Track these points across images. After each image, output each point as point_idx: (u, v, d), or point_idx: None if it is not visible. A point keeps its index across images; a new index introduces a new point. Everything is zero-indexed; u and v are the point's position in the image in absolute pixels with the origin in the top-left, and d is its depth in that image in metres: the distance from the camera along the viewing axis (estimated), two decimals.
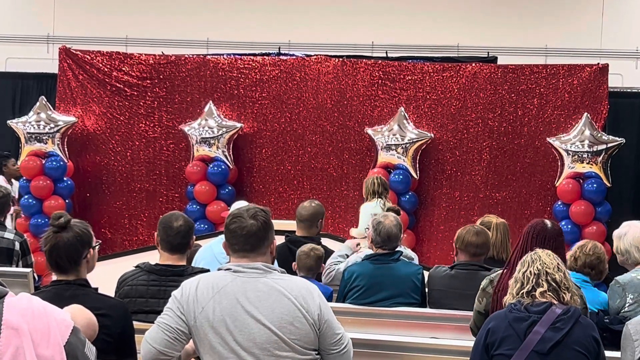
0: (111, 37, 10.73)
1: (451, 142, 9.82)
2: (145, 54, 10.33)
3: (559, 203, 9.26)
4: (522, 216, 9.60)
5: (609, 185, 9.14)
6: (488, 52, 10.21)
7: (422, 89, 9.85)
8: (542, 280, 3.07)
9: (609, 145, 9.15)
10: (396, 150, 9.51)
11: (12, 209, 8.48)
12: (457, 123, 9.80)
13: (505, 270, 3.67)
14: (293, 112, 10.14)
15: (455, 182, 9.83)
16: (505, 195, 9.73)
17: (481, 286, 3.85)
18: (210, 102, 10.03)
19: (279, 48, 10.49)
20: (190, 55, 10.37)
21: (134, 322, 3.31)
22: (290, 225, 6.02)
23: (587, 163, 9.09)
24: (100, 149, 10.42)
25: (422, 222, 9.90)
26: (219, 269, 3.01)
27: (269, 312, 2.85)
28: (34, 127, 9.98)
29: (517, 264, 3.25)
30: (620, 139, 9.19)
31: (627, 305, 4.36)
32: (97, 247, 3.28)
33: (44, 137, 9.94)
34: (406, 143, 9.52)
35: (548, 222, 3.68)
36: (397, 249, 4.89)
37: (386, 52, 10.29)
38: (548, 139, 9.37)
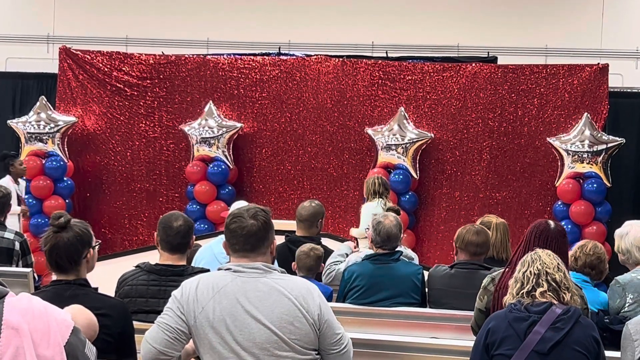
0: (111, 37, 10.74)
1: (451, 142, 9.82)
2: (146, 54, 10.33)
3: (559, 203, 9.26)
4: (522, 216, 9.61)
5: (609, 185, 9.15)
6: (488, 52, 10.21)
7: (422, 89, 9.85)
8: (542, 280, 3.07)
9: (609, 145, 9.15)
10: (396, 150, 9.51)
11: (19, 208, 8.51)
12: (457, 123, 9.80)
13: (507, 269, 3.67)
14: (293, 112, 10.14)
15: (455, 182, 9.83)
16: (505, 195, 9.73)
17: (483, 284, 3.85)
18: (211, 102, 10.03)
19: (279, 48, 10.49)
20: (190, 55, 10.37)
21: (134, 322, 3.31)
22: (290, 225, 6.02)
23: (587, 163, 9.10)
24: (101, 149, 10.42)
25: (422, 222, 9.90)
26: (219, 269, 3.01)
27: (269, 312, 2.85)
28: (34, 127, 9.98)
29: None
30: (620, 139, 9.20)
31: (627, 305, 4.36)
32: (97, 247, 3.28)
33: (44, 137, 9.94)
34: (406, 143, 9.52)
35: (551, 223, 3.67)
36: (397, 249, 4.89)
37: (386, 52, 10.30)
38: (548, 139, 9.37)
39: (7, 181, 8.57)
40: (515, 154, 9.72)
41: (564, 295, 3.06)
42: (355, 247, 5.66)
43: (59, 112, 10.23)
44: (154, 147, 10.35)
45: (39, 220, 9.52)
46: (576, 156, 9.13)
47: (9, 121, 10.15)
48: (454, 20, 10.67)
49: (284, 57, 10.28)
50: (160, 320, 2.90)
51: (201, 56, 10.40)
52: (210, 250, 5.17)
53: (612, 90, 9.63)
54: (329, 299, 4.64)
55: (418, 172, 9.66)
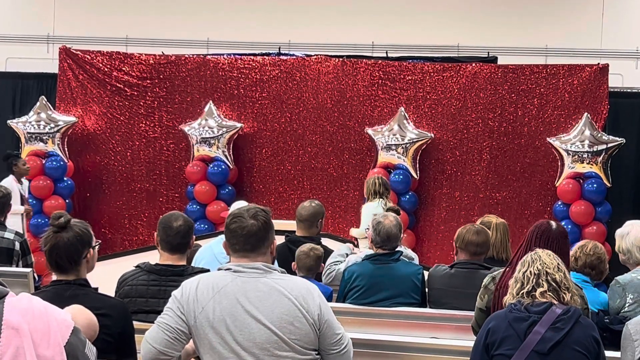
0: (111, 37, 10.74)
1: (451, 142, 9.82)
2: (146, 54, 10.33)
3: (559, 203, 9.26)
4: (522, 216, 9.61)
5: (609, 185, 9.15)
6: (488, 52, 10.21)
7: (422, 89, 9.85)
8: (542, 280, 3.07)
9: (609, 145, 9.15)
10: (396, 150, 9.51)
11: (22, 208, 8.52)
12: (457, 123, 9.81)
13: (507, 269, 3.67)
14: (293, 112, 10.14)
15: (456, 182, 9.83)
16: (505, 195, 9.73)
17: (483, 283, 3.85)
18: (211, 102, 10.03)
19: (279, 48, 10.49)
20: (191, 55, 10.37)
21: (134, 322, 3.31)
22: (290, 225, 6.02)
23: (587, 163, 9.10)
24: (101, 149, 10.42)
25: (422, 222, 9.90)
26: (219, 269, 3.01)
27: (269, 312, 2.85)
28: (34, 127, 9.98)
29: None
30: (620, 139, 9.20)
31: (627, 305, 4.36)
32: (97, 247, 3.28)
33: (44, 137, 9.94)
34: (406, 143, 9.52)
35: (553, 223, 3.67)
36: (397, 249, 4.89)
37: (386, 52, 10.29)
38: (548, 139, 9.37)
39: (10, 181, 8.58)
40: (515, 154, 9.72)
41: (564, 296, 3.06)
42: (353, 249, 5.65)
43: (59, 112, 10.23)
44: (154, 147, 10.35)
45: (39, 220, 9.52)
46: (576, 156, 9.14)
47: (9, 121, 10.15)
48: (454, 20, 10.67)
49: (284, 57, 10.28)
50: (160, 320, 2.90)
51: (201, 56, 10.40)
52: (210, 250, 5.17)
53: (612, 90, 9.63)
54: (329, 299, 4.65)
55: (418, 172, 9.66)
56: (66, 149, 10.13)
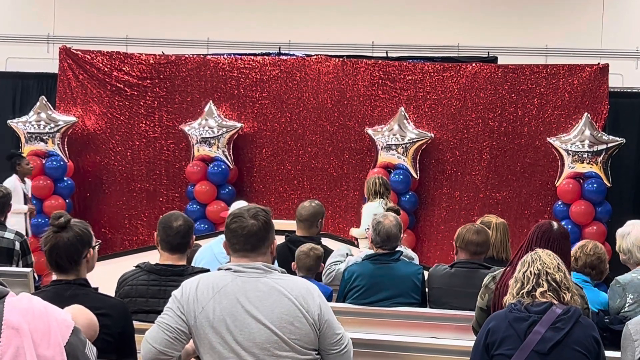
0: (111, 37, 10.73)
1: (451, 142, 9.82)
2: (146, 54, 10.33)
3: (559, 203, 9.26)
4: (522, 216, 9.61)
5: (609, 185, 9.15)
6: (488, 52, 10.21)
7: (423, 89, 9.85)
8: (542, 280, 3.07)
9: (609, 145, 9.15)
10: (396, 150, 9.51)
11: (26, 207, 8.53)
12: (458, 123, 9.81)
13: (508, 268, 3.67)
14: (293, 112, 10.14)
15: (456, 182, 9.83)
16: (505, 195, 9.73)
17: (484, 283, 3.85)
18: (211, 102, 10.03)
19: (279, 48, 10.49)
20: (191, 55, 10.37)
21: (134, 322, 3.31)
22: (290, 225, 6.01)
23: (588, 163, 9.10)
24: (101, 149, 10.42)
25: (422, 222, 9.90)
26: (219, 269, 3.01)
27: (269, 312, 2.85)
28: (34, 127, 9.98)
29: None
30: (620, 139, 9.20)
31: (627, 305, 4.36)
32: (97, 247, 3.28)
33: (44, 137, 9.94)
34: (406, 143, 9.52)
35: (555, 224, 3.67)
36: (397, 249, 4.89)
37: (386, 52, 10.29)
38: (548, 139, 9.37)
39: (13, 180, 8.60)
40: (515, 154, 9.72)
41: (564, 295, 3.06)
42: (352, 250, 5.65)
43: (59, 112, 10.23)
44: (154, 147, 10.35)
45: (39, 220, 9.51)
46: (576, 156, 9.13)
47: (9, 121, 10.15)
48: (454, 20, 10.67)
49: (284, 57, 10.28)
50: (161, 320, 2.90)
51: (201, 56, 10.40)
52: (210, 250, 5.17)
53: (612, 90, 9.63)
54: (329, 299, 4.64)
55: (418, 172, 9.66)
56: (66, 148, 10.13)
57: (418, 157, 9.66)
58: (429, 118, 9.84)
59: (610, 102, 9.54)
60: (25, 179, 8.94)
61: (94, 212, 10.34)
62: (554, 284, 3.06)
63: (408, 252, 5.42)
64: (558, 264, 3.12)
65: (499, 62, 10.02)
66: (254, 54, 10.31)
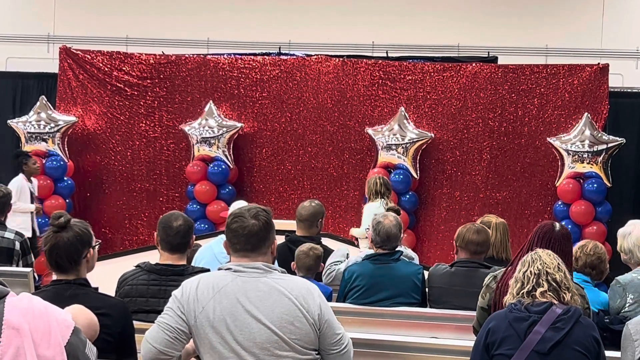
0: (111, 37, 10.73)
1: (451, 142, 9.82)
2: (146, 54, 10.33)
3: (559, 203, 9.26)
4: (522, 216, 9.61)
5: (609, 185, 9.15)
6: (488, 52, 10.21)
7: (423, 89, 9.85)
8: (542, 280, 3.07)
9: (610, 145, 9.15)
10: (396, 150, 9.51)
11: (33, 206, 8.55)
12: (458, 123, 9.81)
13: (509, 268, 3.67)
14: (293, 111, 10.14)
15: (456, 182, 9.83)
16: (505, 195, 9.73)
17: (485, 282, 3.86)
18: (211, 101, 10.03)
19: (279, 48, 10.49)
20: (191, 55, 10.37)
21: (134, 322, 3.31)
22: (290, 225, 6.01)
23: (588, 163, 9.10)
24: (101, 149, 10.42)
25: (423, 222, 9.90)
26: (219, 269, 3.01)
27: (269, 312, 2.85)
28: (34, 127, 9.99)
29: None
30: (620, 139, 9.20)
31: (627, 305, 4.36)
32: (97, 246, 3.28)
33: (44, 137, 9.94)
34: (406, 143, 9.52)
35: (557, 225, 3.67)
36: (397, 249, 4.88)
37: (386, 52, 10.29)
38: (548, 138, 9.37)
39: (20, 179, 8.62)
40: (515, 154, 9.72)
41: (564, 295, 3.06)
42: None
43: (59, 111, 10.23)
44: (154, 147, 10.36)
45: (39, 220, 9.51)
46: (576, 156, 9.14)
47: (9, 121, 10.15)
48: (454, 20, 10.67)
49: (284, 57, 10.28)
50: (161, 320, 2.90)
51: (201, 56, 10.40)
52: (210, 250, 5.17)
53: (612, 90, 9.63)
54: (329, 299, 4.64)
55: (418, 172, 9.66)
56: (66, 148, 10.13)
57: (418, 157, 9.67)
58: (429, 118, 9.84)
59: (610, 102, 9.54)
60: (32, 178, 8.95)
61: (94, 212, 10.34)
62: (554, 284, 3.06)
63: (408, 252, 5.42)
64: (558, 264, 3.12)
65: (499, 62, 10.03)
66: (254, 54, 10.31)
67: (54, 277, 3.20)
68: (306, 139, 10.10)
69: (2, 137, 10.48)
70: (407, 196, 9.56)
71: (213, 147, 9.85)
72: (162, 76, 10.29)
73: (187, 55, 10.35)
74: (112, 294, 3.79)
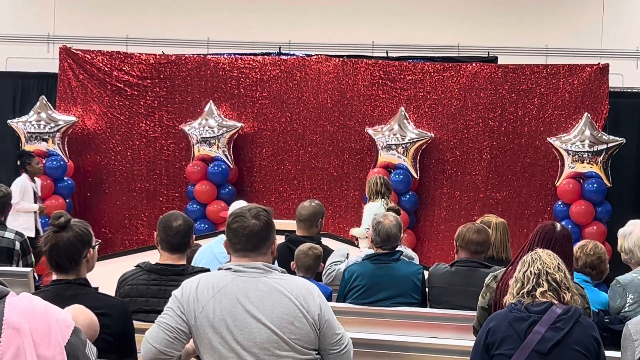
0: (111, 37, 10.74)
1: (451, 142, 9.82)
2: (146, 54, 10.33)
3: (559, 203, 9.26)
4: (522, 216, 9.61)
5: (609, 185, 9.15)
6: (488, 52, 10.21)
7: (423, 89, 9.85)
8: (542, 280, 3.07)
9: (610, 145, 9.15)
10: (396, 150, 9.51)
11: (36, 206, 8.55)
12: (458, 123, 9.81)
13: (509, 268, 3.67)
14: (293, 111, 10.14)
15: (456, 182, 9.83)
16: (505, 195, 9.73)
17: (485, 282, 3.86)
18: (211, 101, 10.03)
19: (280, 48, 10.49)
20: (191, 55, 10.37)
21: (134, 322, 3.31)
22: (290, 224, 6.01)
23: (588, 163, 9.10)
24: (101, 149, 10.42)
25: (423, 221, 9.90)
26: (219, 269, 3.01)
27: (269, 312, 2.85)
28: (34, 127, 9.99)
29: None
30: (620, 139, 9.20)
31: (627, 305, 4.36)
32: (97, 246, 3.28)
33: (44, 137, 9.94)
34: (406, 143, 9.52)
35: (558, 226, 3.67)
36: (397, 249, 4.88)
37: (386, 52, 10.29)
38: (548, 138, 9.37)
39: (23, 179, 8.63)
40: (515, 153, 9.72)
41: (564, 295, 3.06)
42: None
43: (59, 111, 10.24)
44: (154, 147, 10.36)
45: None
46: (576, 156, 9.14)
47: (9, 121, 10.15)
48: (454, 20, 10.67)
49: (284, 57, 10.28)
50: (161, 320, 2.90)
51: (201, 56, 10.40)
52: (210, 250, 5.17)
53: (612, 90, 9.63)
54: (329, 299, 4.64)
55: (418, 172, 9.66)
56: (66, 148, 10.13)
57: (418, 157, 9.67)
58: (429, 118, 9.84)
59: (610, 102, 9.54)
60: (35, 178, 8.95)
61: (94, 212, 10.34)
62: (554, 283, 3.06)
63: (408, 252, 5.41)
64: (558, 263, 3.12)
65: (499, 62, 10.03)
66: (254, 54, 10.31)
67: (54, 277, 3.20)
68: (306, 139, 10.11)
69: (2, 137, 10.48)
70: (407, 196, 9.56)
71: (213, 147, 9.85)
72: (162, 76, 10.29)
73: (187, 55, 10.35)
74: (112, 293, 3.79)
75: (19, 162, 8.89)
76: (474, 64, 9.85)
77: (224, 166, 9.86)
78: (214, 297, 2.86)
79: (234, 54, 10.42)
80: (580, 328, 2.99)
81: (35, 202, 8.72)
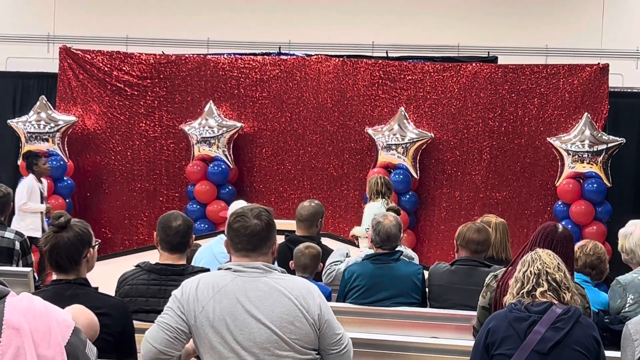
0: (111, 37, 10.74)
1: (451, 142, 9.82)
2: (146, 54, 10.33)
3: (559, 203, 9.26)
4: (522, 216, 9.61)
5: (609, 185, 9.15)
6: (488, 52, 10.21)
7: (423, 89, 9.85)
8: (542, 280, 3.07)
9: (609, 145, 9.15)
10: (396, 150, 9.51)
11: (43, 206, 8.57)
12: (458, 123, 9.81)
13: (510, 267, 3.67)
14: (293, 111, 10.14)
15: (456, 182, 9.83)
16: (505, 195, 9.73)
17: (485, 282, 3.86)
18: (211, 101, 10.03)
19: (280, 48, 10.49)
20: (191, 55, 10.37)
21: (134, 322, 3.31)
22: (290, 225, 6.01)
23: (588, 163, 9.10)
24: (101, 149, 10.42)
25: (423, 221, 9.90)
26: (219, 269, 3.01)
27: (269, 312, 2.85)
28: (34, 127, 9.99)
29: None
30: (620, 139, 9.20)
31: (627, 305, 4.36)
32: (96, 246, 3.28)
33: (44, 137, 9.94)
34: (406, 143, 9.52)
35: (560, 227, 3.67)
36: (397, 249, 4.88)
37: (386, 52, 10.30)
38: (548, 138, 9.37)
39: (30, 180, 8.63)
40: (515, 153, 9.72)
41: (564, 295, 3.06)
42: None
43: (59, 111, 10.23)
44: (154, 147, 10.36)
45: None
46: (576, 156, 9.14)
47: (9, 121, 10.15)
48: (454, 20, 10.67)
49: (284, 57, 10.28)
50: (161, 320, 2.90)
51: (201, 56, 10.40)
52: (210, 250, 5.17)
53: (612, 90, 9.63)
54: (328, 299, 4.64)
55: (418, 172, 9.66)
56: (66, 148, 10.13)
57: (418, 157, 9.67)
58: (429, 118, 9.84)
59: (610, 102, 9.54)
60: (42, 179, 8.96)
61: (94, 212, 10.34)
62: (554, 283, 3.06)
63: (408, 252, 5.41)
64: (558, 263, 3.12)
65: (499, 62, 10.03)
66: (254, 54, 10.31)
67: (54, 277, 3.21)
68: (306, 139, 10.11)
69: (2, 137, 10.48)
70: (407, 196, 9.56)
71: (213, 147, 9.85)
72: (162, 76, 10.29)
73: (187, 55, 10.35)
74: (112, 293, 3.79)
75: (25, 163, 8.89)
76: (474, 64, 9.85)
77: (224, 166, 9.86)
78: (214, 297, 2.86)
79: (234, 54, 10.42)
80: (580, 328, 2.99)
81: (42, 202, 8.73)
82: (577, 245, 4.74)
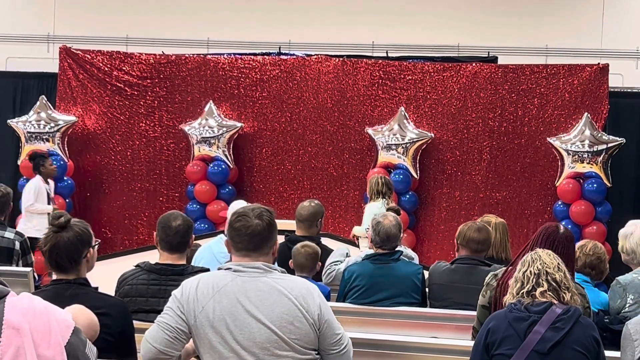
0: (111, 37, 10.73)
1: (451, 142, 9.82)
2: (146, 54, 10.33)
3: (559, 203, 9.26)
4: (522, 216, 9.61)
5: (609, 185, 9.15)
6: (488, 52, 10.21)
7: (423, 89, 9.85)
8: (542, 280, 3.07)
9: (609, 145, 9.15)
10: (396, 150, 9.51)
11: (50, 207, 8.58)
12: (458, 123, 9.81)
13: (510, 267, 3.67)
14: (293, 111, 10.14)
15: (456, 182, 9.83)
16: (505, 195, 9.73)
17: (485, 281, 3.86)
18: (211, 101, 10.03)
19: (280, 48, 10.49)
20: (191, 55, 10.37)
21: (134, 321, 3.31)
22: (290, 224, 6.01)
23: (588, 163, 9.10)
24: (101, 149, 10.42)
25: (422, 221, 9.90)
26: (219, 269, 3.01)
27: (269, 312, 2.85)
28: (34, 127, 9.99)
29: None
30: (620, 139, 9.20)
31: (627, 305, 4.36)
32: (96, 246, 3.28)
33: (44, 137, 9.94)
34: (406, 143, 9.52)
35: (561, 227, 3.67)
36: (397, 249, 4.88)
37: (386, 52, 10.30)
38: (548, 138, 9.37)
39: (37, 181, 8.63)
40: (515, 153, 9.72)
41: (564, 295, 3.06)
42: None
43: (59, 111, 10.23)
44: (154, 147, 10.36)
45: None
46: (576, 156, 9.14)
47: (9, 121, 10.15)
48: (454, 20, 10.67)
49: (284, 57, 10.28)
50: (161, 320, 2.90)
51: (201, 56, 10.40)
52: (210, 249, 5.17)
53: (612, 90, 9.63)
54: (327, 298, 4.64)
55: (418, 172, 9.66)
56: (66, 148, 10.13)
57: (418, 157, 9.67)
58: (429, 118, 9.84)
59: (610, 102, 9.54)
60: (49, 180, 8.96)
61: (94, 212, 10.34)
62: (553, 283, 3.06)
63: (408, 251, 5.41)
64: (558, 263, 3.12)
65: (499, 62, 10.03)
66: (254, 54, 10.31)
67: (54, 276, 3.21)
68: (306, 139, 10.11)
69: (2, 137, 10.48)
70: (407, 196, 9.56)
71: (213, 147, 9.85)
72: (162, 76, 10.29)
73: (187, 55, 10.35)
74: (112, 293, 3.79)
75: (32, 164, 8.89)
76: (474, 64, 9.85)
77: (223, 166, 9.86)
78: (214, 296, 2.86)
79: (234, 54, 10.42)
80: (580, 328, 2.99)
81: (49, 203, 8.73)
82: (577, 245, 4.74)
